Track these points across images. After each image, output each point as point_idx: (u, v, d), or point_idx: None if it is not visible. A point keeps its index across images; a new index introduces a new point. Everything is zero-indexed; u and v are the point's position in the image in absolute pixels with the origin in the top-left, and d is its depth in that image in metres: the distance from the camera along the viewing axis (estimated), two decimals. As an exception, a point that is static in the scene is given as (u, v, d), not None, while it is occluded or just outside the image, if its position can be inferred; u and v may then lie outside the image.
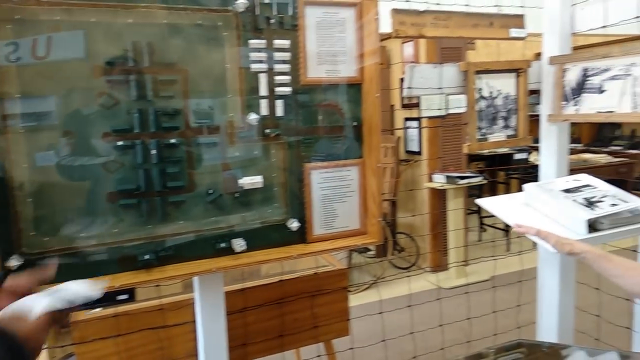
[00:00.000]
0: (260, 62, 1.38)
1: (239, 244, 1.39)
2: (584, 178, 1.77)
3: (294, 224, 1.48)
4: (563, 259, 1.82)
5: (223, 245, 1.38)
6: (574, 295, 1.88)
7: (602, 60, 1.75)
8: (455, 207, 3.81)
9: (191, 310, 1.57)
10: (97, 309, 1.73)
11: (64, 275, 1.23)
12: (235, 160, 1.39)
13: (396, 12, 1.69)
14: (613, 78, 1.74)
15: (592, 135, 6.26)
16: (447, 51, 3.93)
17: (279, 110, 1.43)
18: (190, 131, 1.32)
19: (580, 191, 1.68)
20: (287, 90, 1.43)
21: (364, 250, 4.12)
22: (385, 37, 1.98)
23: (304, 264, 2.03)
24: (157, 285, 1.77)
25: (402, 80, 4.14)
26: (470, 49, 4.25)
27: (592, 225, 1.53)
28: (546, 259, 1.92)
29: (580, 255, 1.27)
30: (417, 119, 3.98)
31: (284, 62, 1.42)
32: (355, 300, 3.37)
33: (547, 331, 1.90)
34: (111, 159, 1.25)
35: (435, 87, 1.83)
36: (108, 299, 1.67)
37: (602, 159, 5.08)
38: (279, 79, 1.41)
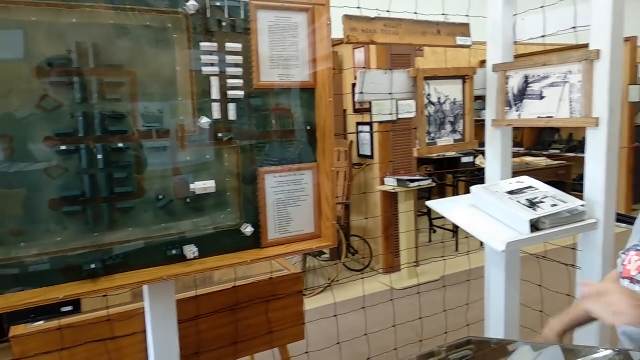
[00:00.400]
0: (212, 65, 1.36)
1: (191, 250, 1.36)
2: (527, 180, 1.86)
3: (248, 229, 1.47)
4: (509, 258, 1.91)
5: (174, 252, 1.35)
6: (519, 292, 1.97)
7: (542, 68, 1.85)
8: (406, 210, 3.90)
9: (141, 320, 1.51)
10: (40, 322, 1.64)
11: (4, 287, 1.16)
12: (187, 164, 1.36)
13: (348, 18, 1.72)
14: (552, 85, 1.84)
15: (533, 140, 6.58)
16: (397, 57, 4.02)
17: (232, 114, 1.41)
18: (139, 135, 1.28)
19: (523, 193, 1.76)
20: (239, 94, 1.41)
21: (318, 253, 4.14)
22: (338, 43, 2.01)
23: (258, 269, 2.01)
24: (104, 296, 1.70)
25: (354, 85, 4.20)
26: (419, 55, 4.37)
27: (535, 225, 1.61)
28: (493, 258, 2.00)
29: None
30: (369, 123, 4.04)
31: (236, 65, 1.40)
32: (311, 303, 3.37)
33: (495, 327, 1.98)
34: (54, 164, 1.20)
35: (386, 93, 1.87)
36: (51, 311, 1.58)
37: (542, 162, 5.35)
38: (231, 82, 1.40)
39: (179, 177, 1.35)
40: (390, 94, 1.87)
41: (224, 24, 1.37)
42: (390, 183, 3.92)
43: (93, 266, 1.25)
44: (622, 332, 1.08)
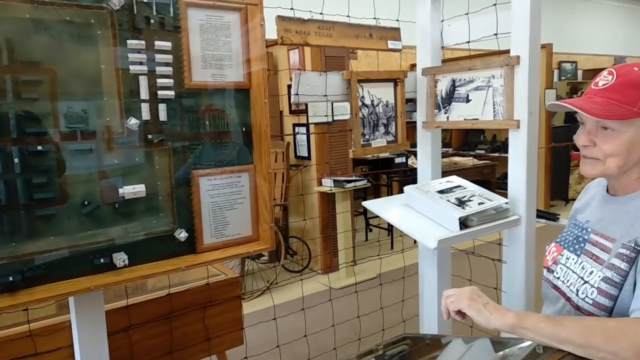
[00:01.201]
0: (140, 63, 1.31)
1: (120, 258, 1.29)
2: (455, 180, 1.95)
3: (182, 234, 1.42)
4: (440, 254, 1.98)
5: (102, 260, 1.28)
6: (450, 287, 2.05)
7: (468, 72, 1.94)
8: (343, 210, 3.96)
9: (67, 333, 1.42)
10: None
11: None
12: (115, 168, 1.30)
13: (281, 19, 1.71)
14: (477, 89, 1.94)
15: (460, 140, 6.93)
16: (331, 60, 4.07)
17: (162, 115, 1.36)
18: (61, 137, 1.21)
19: (453, 192, 1.84)
20: (170, 93, 1.37)
21: (257, 256, 4.10)
22: (272, 44, 2.00)
23: (195, 274, 1.95)
24: (25, 310, 1.57)
25: (289, 86, 4.20)
26: (352, 58, 4.46)
27: (464, 223, 1.68)
28: (425, 255, 2.08)
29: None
30: (306, 124, 4.06)
31: (166, 64, 1.36)
32: (249, 307, 3.33)
33: (428, 321, 2.05)
34: (-38, 169, 1.09)
35: (321, 95, 1.88)
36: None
37: (469, 161, 5.63)
38: (161, 82, 1.35)
39: (106, 181, 1.28)
40: (325, 95, 1.88)
41: (152, 21, 1.31)
42: (327, 184, 3.96)
43: (11, 278, 1.15)
44: None
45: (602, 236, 1.03)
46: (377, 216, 1.84)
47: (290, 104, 4.28)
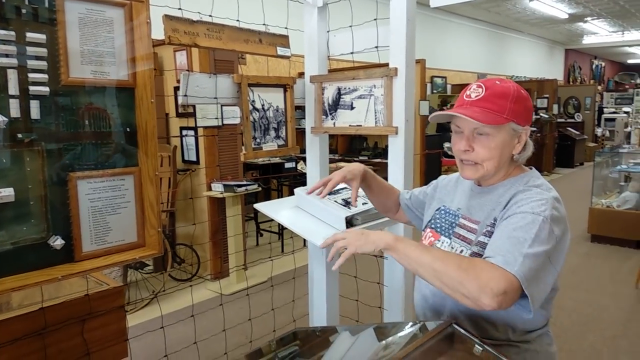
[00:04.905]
0: (7, 56, 1.20)
1: (-17, 270, 1.17)
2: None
3: (57, 242, 1.32)
4: (329, 252, 2.07)
5: (-40, 273, 1.14)
6: (338, 285, 2.15)
7: (352, 81, 2.07)
8: (233, 214, 3.92)
9: None
10: None
11: None
12: (-24, 170, 1.17)
13: (169, 18, 1.67)
14: (360, 97, 2.07)
15: (346, 147, 7.31)
16: (221, 63, 4.03)
17: (35, 113, 1.26)
18: None
19: (339, 193, 1.94)
20: (44, 90, 1.27)
21: (140, 265, 3.88)
22: (159, 43, 1.93)
23: (76, 286, 1.81)
24: None
25: (176, 88, 4.07)
26: (242, 63, 4.45)
27: (350, 222, 1.79)
28: (314, 254, 2.15)
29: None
30: (194, 128, 3.96)
31: (39, 58, 1.26)
32: (134, 319, 3.14)
33: (318, 318, 2.13)
34: None
35: (210, 97, 1.87)
36: None
37: (355, 166, 5.93)
38: (33, 77, 1.25)
39: (-34, 184, 1.15)
40: (215, 98, 1.87)
41: (23, 11, 1.21)
42: (217, 188, 3.90)
43: None
44: (421, 306, 1.28)
45: (469, 220, 1.19)
46: (268, 221, 1.87)
47: (177, 107, 4.14)
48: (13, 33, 1.19)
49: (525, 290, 0.94)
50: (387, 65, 1.93)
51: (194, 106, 1.87)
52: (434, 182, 1.45)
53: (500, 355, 0.95)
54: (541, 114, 9.33)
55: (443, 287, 0.98)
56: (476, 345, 0.96)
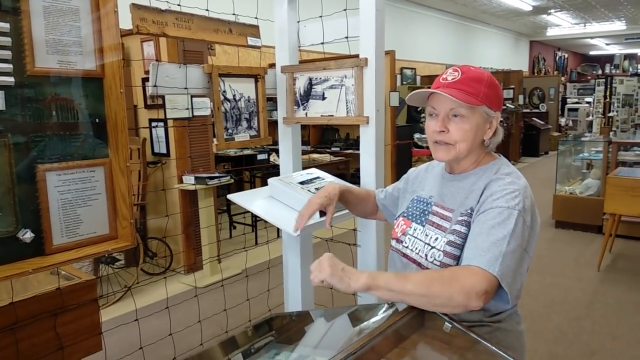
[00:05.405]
0: (-30, 45, 1.16)
1: (-50, 264, 1.14)
2: (315, 172, 2.08)
3: (26, 235, 1.30)
4: (302, 241, 2.10)
5: None
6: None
7: (323, 71, 2.08)
8: (206, 206, 3.90)
9: None
10: None
11: None
12: (-61, 162, 1.14)
13: (136, 7, 1.65)
14: (332, 87, 2.09)
15: (318, 139, 7.32)
16: (190, 54, 3.97)
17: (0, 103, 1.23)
18: None
19: (313, 182, 1.96)
20: (8, 80, 1.24)
21: (111, 260, 3.82)
22: (127, 33, 1.90)
23: (48, 280, 1.78)
24: None
25: (144, 80, 4.00)
26: (211, 54, 4.39)
27: (322, 211, 1.81)
28: (289, 243, 2.18)
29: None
30: (164, 119, 3.90)
31: (2, 47, 1.23)
32: (107, 314, 3.11)
33: (293, 306, 2.16)
34: None
35: (181, 87, 1.85)
36: None
37: (326, 158, 5.95)
38: (-3, 66, 1.21)
39: None
40: (186, 88, 1.86)
41: (-15, -2, 1.18)
42: (189, 181, 3.87)
43: None
44: None
45: (442, 207, 1.23)
46: (241, 213, 1.88)
47: (145, 98, 4.07)
48: (-25, 21, 1.16)
49: (505, 288, 1.00)
50: (357, 56, 1.95)
51: (163, 97, 1.86)
52: (404, 176, 1.49)
53: (469, 332, 0.99)
54: (507, 105, 9.58)
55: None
56: (446, 323, 1.00)
